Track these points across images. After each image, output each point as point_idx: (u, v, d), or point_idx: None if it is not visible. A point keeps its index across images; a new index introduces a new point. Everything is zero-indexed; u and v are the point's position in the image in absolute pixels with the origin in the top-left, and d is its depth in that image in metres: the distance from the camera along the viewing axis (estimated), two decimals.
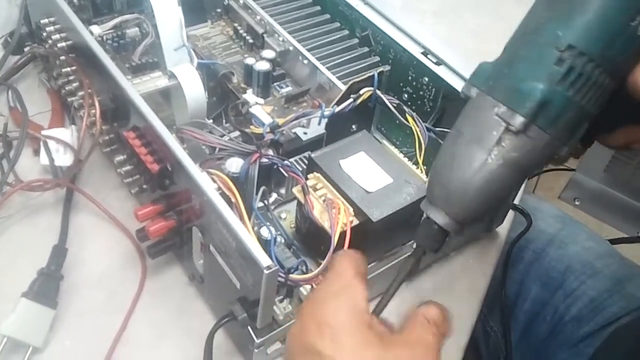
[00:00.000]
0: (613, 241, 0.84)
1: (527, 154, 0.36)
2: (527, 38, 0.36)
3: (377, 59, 0.65)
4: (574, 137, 0.36)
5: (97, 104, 0.54)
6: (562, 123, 0.35)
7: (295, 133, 0.57)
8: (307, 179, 0.51)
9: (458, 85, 0.57)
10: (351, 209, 0.50)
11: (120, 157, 0.54)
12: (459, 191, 0.37)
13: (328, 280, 0.40)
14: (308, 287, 0.49)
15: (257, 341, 0.46)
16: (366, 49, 0.66)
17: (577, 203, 1.59)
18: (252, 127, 0.56)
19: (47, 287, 0.51)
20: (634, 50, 0.35)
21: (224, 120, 0.62)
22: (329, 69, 0.61)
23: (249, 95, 0.60)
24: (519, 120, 0.35)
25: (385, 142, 0.56)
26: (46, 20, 0.61)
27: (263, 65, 0.60)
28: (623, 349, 0.65)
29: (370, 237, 0.50)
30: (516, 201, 0.63)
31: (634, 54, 0.35)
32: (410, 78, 0.61)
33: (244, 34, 0.66)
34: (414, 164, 0.54)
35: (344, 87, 0.56)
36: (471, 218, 0.38)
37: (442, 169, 0.38)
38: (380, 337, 0.37)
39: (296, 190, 0.51)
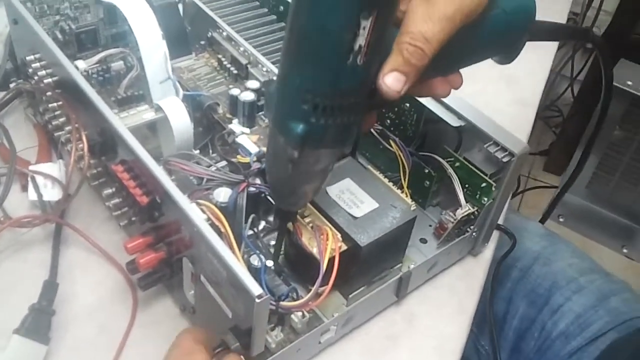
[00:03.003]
0: None
1: (313, 165, 0.44)
2: (282, 82, 0.42)
3: None
4: (349, 140, 0.44)
5: (84, 138, 0.55)
6: (330, 138, 0.42)
7: None
8: None
9: (438, 110, 0.58)
10: (339, 235, 0.50)
11: (108, 190, 0.55)
12: (278, 186, 0.48)
13: (169, 352, 0.44)
14: (299, 314, 0.50)
15: None
16: None
17: (561, 220, 1.61)
18: (238, 156, 0.57)
19: (39, 322, 0.52)
20: (364, 76, 0.40)
21: (210, 150, 0.62)
22: None
23: (235, 125, 0.61)
24: (294, 153, 0.43)
25: (370, 167, 0.57)
26: (32, 57, 0.61)
27: (248, 96, 0.61)
28: None
29: (359, 262, 0.51)
30: (500, 221, 0.64)
31: (366, 77, 0.41)
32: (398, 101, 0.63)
33: (228, 65, 0.67)
34: (398, 188, 0.55)
35: None
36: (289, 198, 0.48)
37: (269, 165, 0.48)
38: None
39: None
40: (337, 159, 0.46)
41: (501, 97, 0.85)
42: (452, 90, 0.48)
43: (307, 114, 0.40)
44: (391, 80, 0.41)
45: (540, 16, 0.48)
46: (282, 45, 0.41)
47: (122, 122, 0.52)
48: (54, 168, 0.62)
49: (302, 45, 0.39)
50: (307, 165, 0.44)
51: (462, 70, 0.47)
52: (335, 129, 0.41)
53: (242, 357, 0.45)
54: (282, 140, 0.42)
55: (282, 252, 0.56)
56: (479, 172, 0.57)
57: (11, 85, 0.70)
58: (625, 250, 1.57)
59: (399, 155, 0.60)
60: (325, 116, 0.40)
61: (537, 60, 0.91)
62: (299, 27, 0.38)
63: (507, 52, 0.49)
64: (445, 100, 0.58)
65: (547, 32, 0.51)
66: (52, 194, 0.60)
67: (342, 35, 0.37)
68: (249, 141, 0.58)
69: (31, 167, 0.62)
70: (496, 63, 0.50)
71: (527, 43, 0.50)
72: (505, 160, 0.55)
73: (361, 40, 0.37)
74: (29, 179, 0.61)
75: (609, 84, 0.61)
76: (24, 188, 0.62)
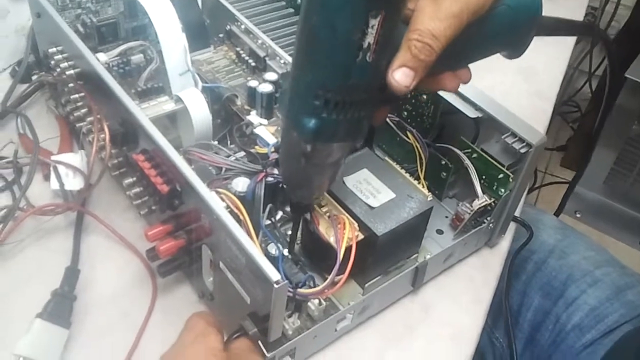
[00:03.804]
0: None
1: (325, 158, 0.45)
2: (294, 79, 0.43)
3: None
4: (360, 134, 0.45)
5: (106, 129, 0.56)
6: (342, 133, 0.43)
7: None
8: None
9: (455, 101, 0.59)
10: (356, 224, 0.51)
11: (129, 180, 0.56)
12: (292, 180, 0.49)
13: (183, 335, 0.46)
14: (316, 301, 0.50)
15: (268, 355, 0.47)
16: None
17: (578, 215, 1.60)
18: (257, 147, 0.57)
19: (61, 307, 0.53)
20: (373, 72, 0.41)
21: (228, 142, 0.63)
22: None
23: (253, 117, 0.62)
24: (307, 147, 0.44)
25: (386, 158, 0.57)
26: (54, 49, 0.63)
27: (266, 88, 0.61)
28: (630, 358, 0.65)
29: (375, 251, 0.52)
30: (517, 213, 0.64)
31: (376, 73, 0.42)
32: (409, 96, 0.63)
33: (246, 58, 0.68)
34: (415, 179, 0.56)
35: None
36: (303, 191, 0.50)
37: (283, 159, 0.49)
38: None
39: None
40: (349, 153, 0.47)
41: (518, 89, 0.85)
42: (470, 82, 0.49)
43: (318, 110, 0.41)
44: (400, 76, 0.42)
45: (558, 11, 0.48)
46: (294, 42, 0.42)
47: (144, 113, 0.53)
48: (75, 158, 0.63)
49: (313, 44, 0.40)
50: (320, 158, 0.45)
51: (478, 62, 0.48)
52: (346, 123, 0.43)
53: (258, 342, 0.46)
54: (295, 135, 0.44)
55: (299, 242, 0.57)
56: (496, 164, 0.57)
57: (33, 78, 0.71)
58: None
59: (416, 147, 0.60)
60: (336, 111, 0.41)
61: (554, 53, 0.91)
62: (310, 26, 0.39)
63: (514, 47, 0.49)
64: (462, 91, 0.58)
65: (552, 27, 0.52)
66: (74, 183, 0.62)
67: (351, 33, 0.38)
68: (267, 132, 0.59)
69: (53, 157, 0.63)
70: (505, 58, 0.51)
71: (545, 37, 0.50)
72: (522, 151, 0.55)
73: (370, 38, 0.39)
74: (51, 168, 0.62)
75: (615, 79, 0.61)
76: (47, 177, 0.64)
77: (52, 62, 0.62)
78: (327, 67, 0.40)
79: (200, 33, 0.70)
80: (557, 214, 1.16)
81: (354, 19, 0.38)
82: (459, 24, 0.42)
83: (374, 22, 0.38)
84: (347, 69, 0.40)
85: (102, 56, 0.65)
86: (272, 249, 0.51)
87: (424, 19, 0.42)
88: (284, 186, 0.52)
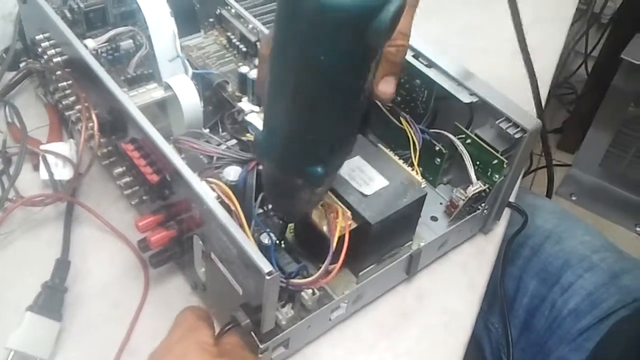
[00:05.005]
0: None
1: (329, 185, 0.48)
2: (289, 136, 0.41)
3: None
4: (352, 147, 0.46)
5: (94, 117, 0.55)
6: (344, 160, 0.46)
7: None
8: None
9: (449, 86, 0.58)
10: (349, 213, 0.50)
11: (119, 169, 0.55)
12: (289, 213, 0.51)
13: (172, 331, 0.45)
14: (310, 291, 0.50)
15: (262, 346, 0.46)
16: None
17: (573, 198, 1.60)
18: (248, 135, 0.56)
19: (52, 300, 0.52)
20: (368, 97, 0.42)
21: (220, 129, 0.62)
22: None
23: (245, 104, 0.61)
24: (316, 189, 0.45)
25: (380, 145, 0.57)
26: (41, 36, 0.61)
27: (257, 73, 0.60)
28: (622, 343, 0.65)
29: (369, 240, 0.51)
30: (512, 198, 0.64)
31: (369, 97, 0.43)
32: (402, 81, 0.62)
33: (237, 43, 0.67)
34: (409, 165, 0.55)
35: None
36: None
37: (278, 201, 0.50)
38: None
39: None
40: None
41: (514, 71, 0.84)
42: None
43: (324, 156, 0.42)
44: (383, 86, 0.43)
45: None
46: (277, 97, 0.40)
47: (132, 101, 0.52)
48: (65, 147, 0.62)
49: (311, 106, 0.39)
50: (325, 189, 0.46)
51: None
52: (342, 154, 0.44)
53: (252, 333, 0.46)
54: (300, 182, 0.44)
55: (291, 231, 0.56)
56: (490, 149, 0.56)
57: (21, 65, 0.70)
58: (638, 229, 1.56)
59: (410, 133, 0.60)
60: (341, 150, 0.43)
61: (550, 34, 0.89)
62: (312, 89, 0.38)
63: None
64: (456, 76, 0.57)
65: None
66: (64, 173, 0.61)
67: (356, 86, 0.38)
68: (259, 119, 0.58)
69: (42, 147, 0.62)
70: None
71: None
72: (517, 136, 0.54)
73: (370, 77, 0.38)
74: (40, 158, 0.61)
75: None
76: (36, 167, 0.63)
77: (40, 49, 0.61)
78: (332, 121, 0.40)
79: (189, 17, 0.68)
80: (548, 195, 1.15)
81: (359, 74, 0.37)
82: (416, 8, 0.42)
83: (372, 64, 0.38)
84: (353, 114, 0.40)
85: (91, 42, 0.64)
86: (265, 238, 0.50)
87: None
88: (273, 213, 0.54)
